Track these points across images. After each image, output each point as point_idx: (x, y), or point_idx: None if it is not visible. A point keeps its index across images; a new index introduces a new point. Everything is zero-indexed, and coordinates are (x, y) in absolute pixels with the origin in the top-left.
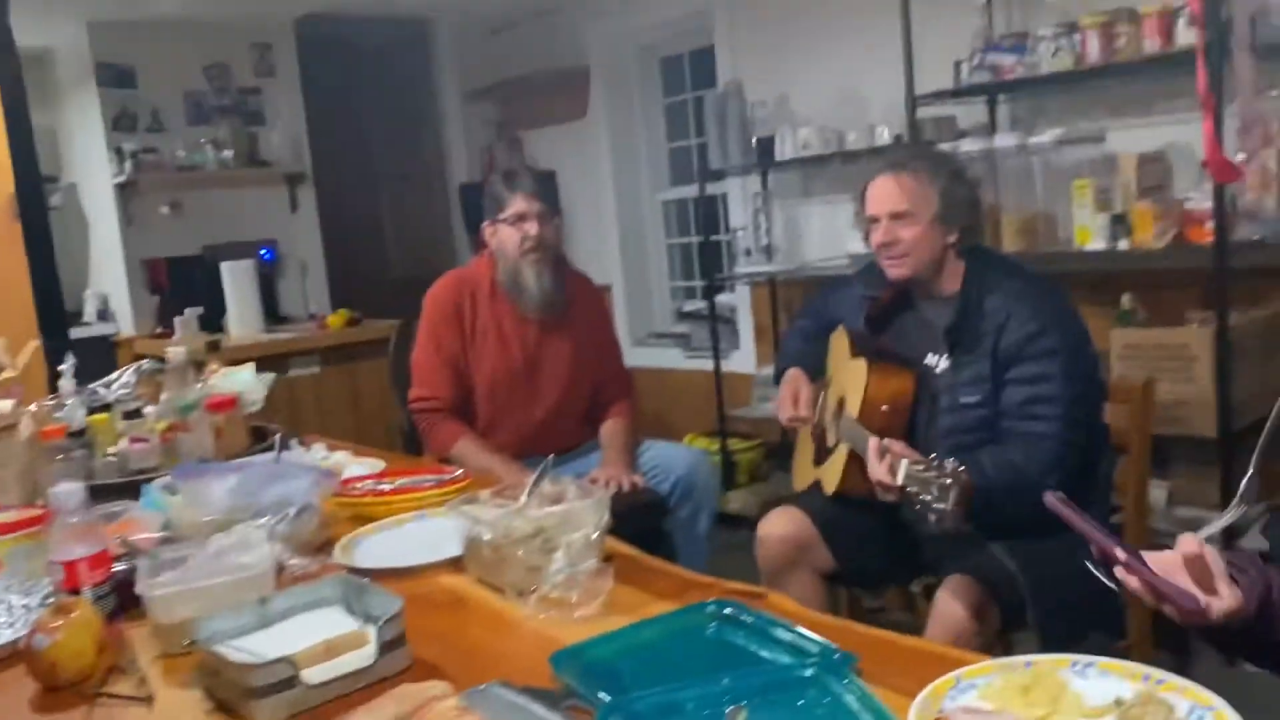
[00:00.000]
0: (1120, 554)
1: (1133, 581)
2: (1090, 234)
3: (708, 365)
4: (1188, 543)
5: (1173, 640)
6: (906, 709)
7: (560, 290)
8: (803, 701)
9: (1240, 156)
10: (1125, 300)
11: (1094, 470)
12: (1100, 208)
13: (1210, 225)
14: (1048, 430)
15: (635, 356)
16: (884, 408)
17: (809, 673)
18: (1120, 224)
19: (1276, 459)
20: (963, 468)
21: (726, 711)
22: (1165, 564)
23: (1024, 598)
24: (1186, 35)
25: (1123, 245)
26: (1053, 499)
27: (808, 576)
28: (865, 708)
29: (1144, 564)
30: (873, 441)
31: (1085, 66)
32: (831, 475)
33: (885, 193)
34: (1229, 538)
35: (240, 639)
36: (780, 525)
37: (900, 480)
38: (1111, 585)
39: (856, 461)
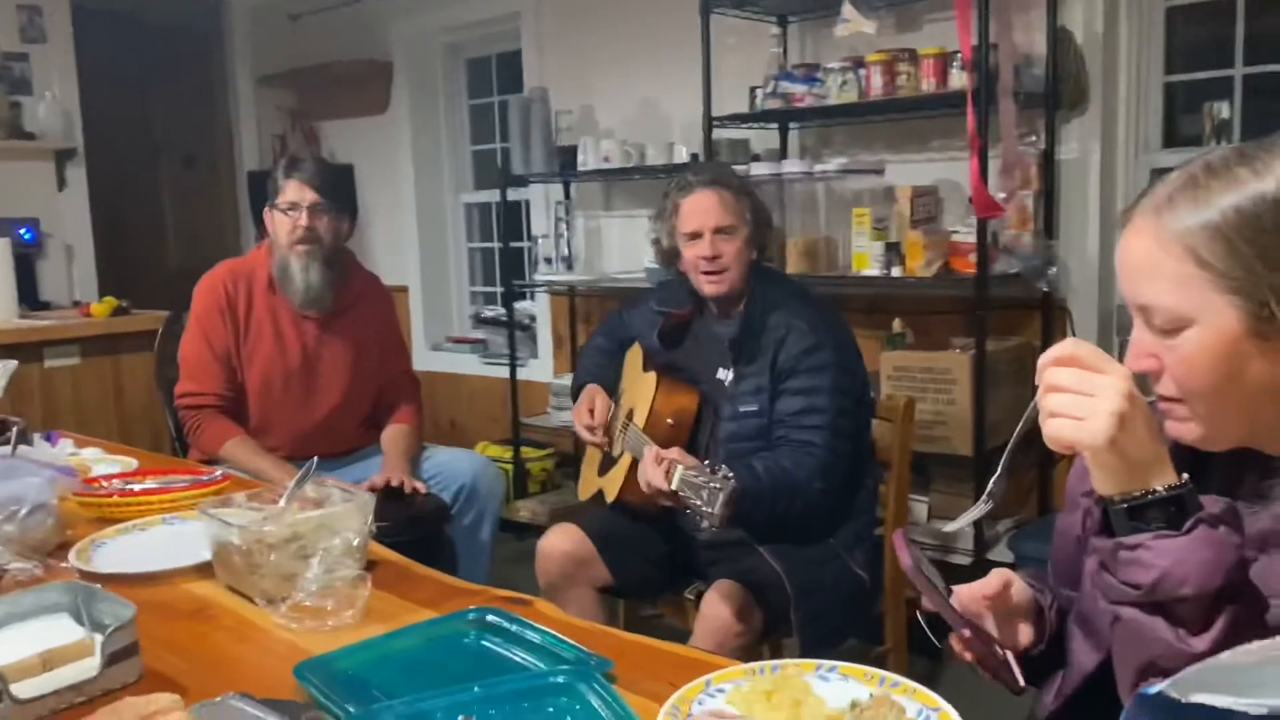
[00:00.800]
0: (965, 632)
1: (966, 656)
2: (867, 260)
3: (504, 372)
4: (995, 580)
5: (925, 645)
6: (657, 714)
7: (329, 287)
8: (553, 708)
9: (1002, 195)
10: (896, 324)
11: (861, 482)
12: (877, 236)
13: (973, 257)
14: (815, 439)
15: (431, 361)
16: (669, 421)
17: (560, 679)
18: (894, 252)
19: (1023, 474)
20: (730, 475)
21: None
22: (972, 595)
23: (788, 601)
24: (960, 78)
25: (895, 272)
26: (909, 565)
27: (586, 591)
28: (614, 713)
29: (982, 638)
30: (650, 450)
31: (868, 100)
32: (613, 484)
33: (710, 207)
34: (980, 550)
35: None
36: (558, 542)
37: (674, 485)
38: (937, 642)
39: (638, 470)
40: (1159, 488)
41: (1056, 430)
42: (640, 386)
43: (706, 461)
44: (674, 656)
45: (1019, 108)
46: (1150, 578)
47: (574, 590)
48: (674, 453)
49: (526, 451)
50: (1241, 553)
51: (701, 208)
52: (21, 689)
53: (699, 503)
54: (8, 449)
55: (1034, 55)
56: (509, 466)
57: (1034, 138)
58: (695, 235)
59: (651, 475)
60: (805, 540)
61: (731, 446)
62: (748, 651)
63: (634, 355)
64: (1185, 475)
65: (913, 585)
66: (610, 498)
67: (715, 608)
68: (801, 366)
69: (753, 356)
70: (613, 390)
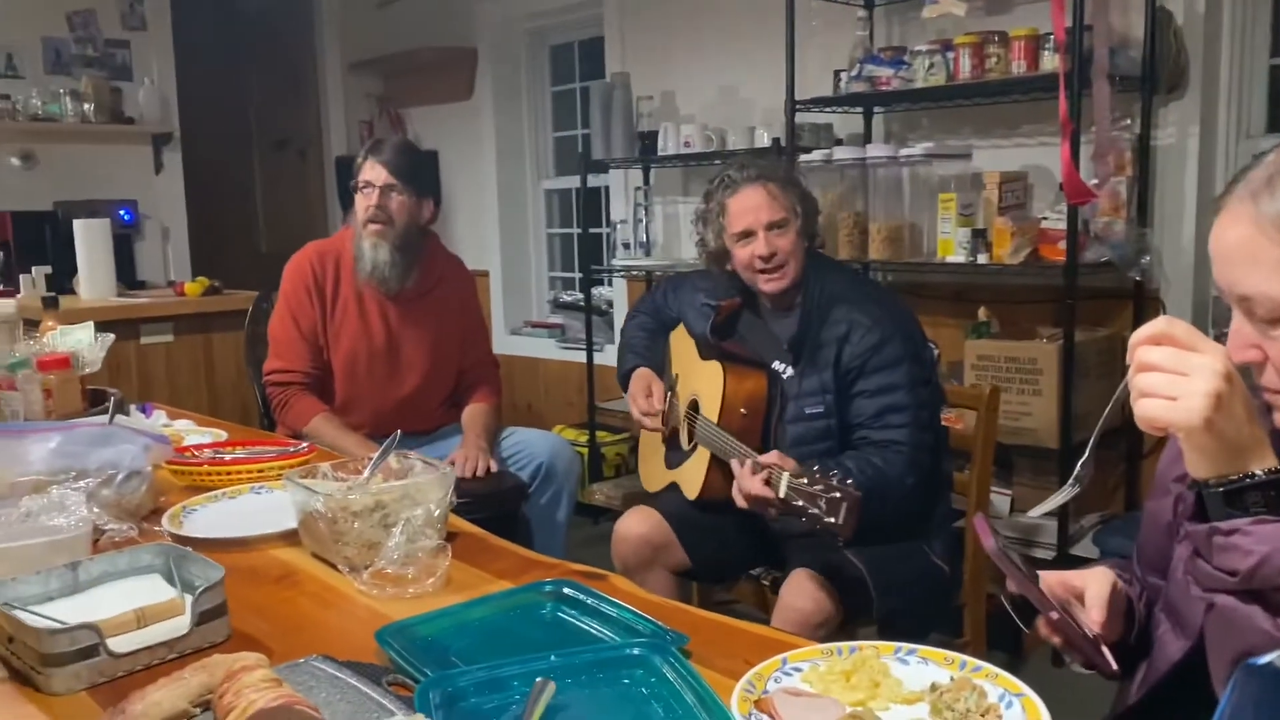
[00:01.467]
0: (1054, 615)
1: (1054, 640)
2: (952, 246)
3: (581, 357)
4: (1100, 579)
5: (1006, 641)
6: (733, 690)
7: (396, 269)
8: (628, 680)
9: (1094, 181)
10: (981, 313)
11: (938, 467)
12: (963, 222)
13: (1063, 245)
14: (900, 437)
15: (509, 345)
16: (742, 410)
17: (636, 651)
18: (980, 238)
19: (1110, 468)
20: (849, 480)
21: (535, 682)
22: (1061, 580)
23: (869, 594)
24: (1051, 61)
25: (982, 259)
26: (992, 547)
27: (663, 574)
28: (689, 687)
29: (1071, 621)
30: (746, 463)
31: (956, 83)
32: (692, 480)
33: (760, 203)
34: (1064, 544)
35: (45, 605)
36: (636, 525)
37: (782, 494)
38: (1023, 627)
39: (718, 466)
40: (1258, 471)
41: (1148, 411)
42: (702, 375)
43: (815, 468)
44: (750, 635)
45: (1114, 91)
46: (1248, 564)
47: (650, 573)
48: (773, 457)
49: (602, 436)
50: None
51: (751, 205)
52: (118, 643)
53: (817, 512)
54: (106, 418)
55: (1130, 37)
56: (584, 450)
57: (1128, 122)
58: (747, 234)
59: (750, 485)
60: (885, 538)
61: (802, 449)
62: (826, 641)
63: (684, 341)
64: None
65: (995, 574)
66: (692, 495)
67: (795, 597)
68: (871, 365)
69: (814, 355)
70: (661, 372)
